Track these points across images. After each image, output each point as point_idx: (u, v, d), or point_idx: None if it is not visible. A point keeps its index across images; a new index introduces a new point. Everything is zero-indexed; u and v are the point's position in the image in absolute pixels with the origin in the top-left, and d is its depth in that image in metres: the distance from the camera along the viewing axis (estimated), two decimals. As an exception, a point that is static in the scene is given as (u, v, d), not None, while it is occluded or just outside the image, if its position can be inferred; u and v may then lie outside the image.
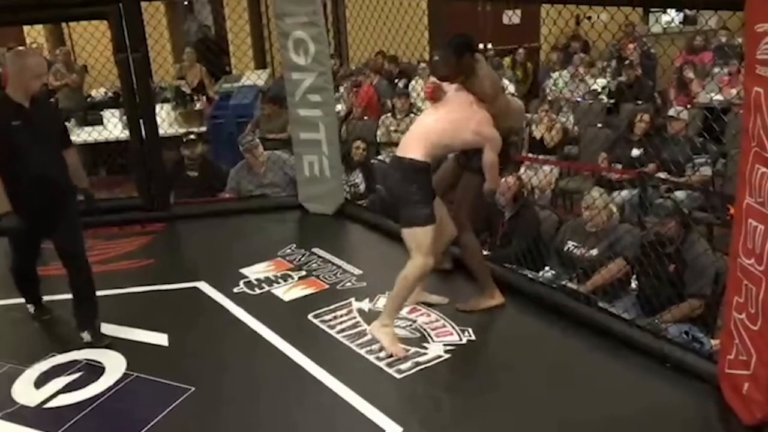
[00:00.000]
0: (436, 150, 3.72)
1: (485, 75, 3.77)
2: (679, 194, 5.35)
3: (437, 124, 3.75)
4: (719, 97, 7.18)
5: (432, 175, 3.84)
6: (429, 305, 4.17)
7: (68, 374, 3.66)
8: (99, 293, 3.95)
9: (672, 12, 10.22)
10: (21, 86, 3.67)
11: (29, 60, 3.77)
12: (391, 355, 3.69)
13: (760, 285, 2.76)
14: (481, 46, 11.00)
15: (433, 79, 3.99)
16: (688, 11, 9.95)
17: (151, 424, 3.28)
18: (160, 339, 4.00)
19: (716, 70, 8.25)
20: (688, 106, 6.98)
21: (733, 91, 7.11)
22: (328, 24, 10.17)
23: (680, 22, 10.55)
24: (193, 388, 3.52)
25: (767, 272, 2.72)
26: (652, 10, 10.15)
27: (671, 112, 6.14)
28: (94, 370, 3.73)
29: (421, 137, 3.71)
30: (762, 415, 2.86)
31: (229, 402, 3.45)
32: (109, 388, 3.57)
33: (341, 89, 8.67)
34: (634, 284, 4.33)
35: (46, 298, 4.25)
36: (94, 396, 3.51)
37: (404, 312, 4.09)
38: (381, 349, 3.75)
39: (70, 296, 3.94)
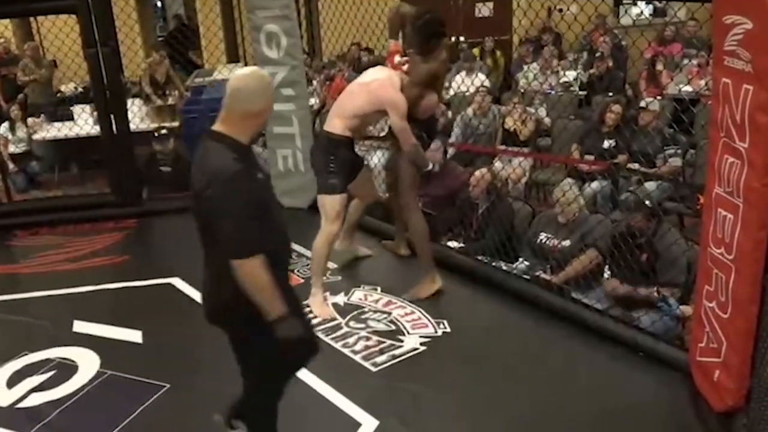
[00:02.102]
0: (352, 119, 4.00)
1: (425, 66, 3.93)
2: (650, 185, 5.39)
3: (349, 94, 4.10)
4: (688, 88, 7.24)
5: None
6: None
7: (41, 373, 3.63)
8: (73, 290, 3.88)
9: (641, 4, 10.29)
10: (255, 125, 2.58)
11: (270, 89, 2.64)
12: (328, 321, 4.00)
13: (729, 274, 2.80)
14: (453, 39, 11.06)
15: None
16: (657, 3, 10.03)
17: (126, 422, 3.27)
18: (134, 336, 3.98)
19: (685, 61, 8.31)
20: (658, 97, 7.02)
21: (702, 83, 7.17)
22: (301, 17, 10.13)
23: (650, 14, 10.62)
24: (168, 386, 3.51)
25: (736, 261, 2.76)
26: (622, 2, 10.22)
27: (642, 103, 6.18)
28: (68, 369, 3.70)
29: (336, 110, 4.07)
30: (733, 402, 2.91)
31: (204, 399, 3.43)
32: (83, 387, 3.55)
33: (314, 83, 8.64)
34: (606, 275, 4.36)
35: (18, 296, 4.17)
36: (68, 395, 3.48)
37: (380, 305, 4.13)
38: (357, 342, 3.78)
39: (41, 293, 3.83)
